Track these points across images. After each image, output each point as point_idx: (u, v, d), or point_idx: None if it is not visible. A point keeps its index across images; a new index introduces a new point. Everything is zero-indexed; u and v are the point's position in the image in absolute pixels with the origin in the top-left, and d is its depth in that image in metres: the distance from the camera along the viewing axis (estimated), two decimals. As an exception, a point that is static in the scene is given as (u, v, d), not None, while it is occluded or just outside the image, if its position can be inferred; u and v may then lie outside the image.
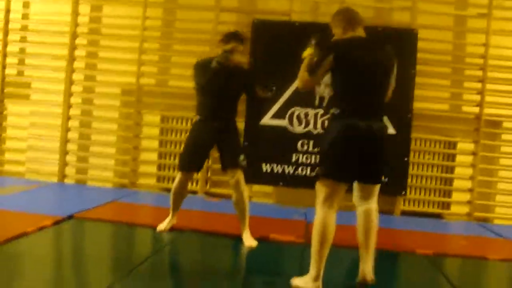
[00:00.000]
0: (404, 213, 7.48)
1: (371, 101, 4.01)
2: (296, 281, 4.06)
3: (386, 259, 5.16)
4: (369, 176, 4.10)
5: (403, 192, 7.41)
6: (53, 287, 3.88)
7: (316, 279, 3.95)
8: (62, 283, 3.99)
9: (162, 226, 5.49)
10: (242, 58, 5.38)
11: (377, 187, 4.19)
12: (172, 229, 5.47)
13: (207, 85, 5.19)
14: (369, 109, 3.99)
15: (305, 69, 4.13)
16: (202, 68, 5.21)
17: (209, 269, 4.54)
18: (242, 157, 5.28)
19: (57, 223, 5.37)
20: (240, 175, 5.21)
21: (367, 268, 4.11)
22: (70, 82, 7.99)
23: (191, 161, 5.36)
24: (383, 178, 4.17)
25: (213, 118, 5.24)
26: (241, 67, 5.38)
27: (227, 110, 5.31)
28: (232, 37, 5.23)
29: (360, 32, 4.17)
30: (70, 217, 5.64)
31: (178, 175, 5.41)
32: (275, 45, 7.24)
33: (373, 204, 4.19)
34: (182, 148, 5.68)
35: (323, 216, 3.95)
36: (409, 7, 7.55)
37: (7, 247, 4.49)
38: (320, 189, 4.01)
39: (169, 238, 5.30)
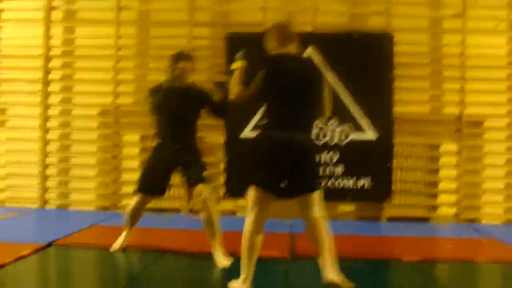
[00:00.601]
0: (391, 219, 7.41)
1: (296, 114, 4.15)
2: (232, 284, 4.25)
3: (373, 268, 5.08)
4: (295, 187, 4.18)
5: (389, 198, 7.34)
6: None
7: (244, 280, 4.16)
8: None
9: (117, 245, 5.41)
10: (192, 76, 5.34)
11: (312, 196, 4.20)
12: (154, 249, 5.37)
13: (161, 107, 5.21)
14: (293, 121, 4.14)
15: (237, 82, 4.24)
16: (154, 92, 5.29)
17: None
18: (205, 173, 5.23)
19: (36, 251, 5.24)
20: (207, 193, 5.13)
21: (330, 274, 4.08)
22: (46, 105, 7.89)
23: (151, 184, 5.30)
24: (313, 187, 4.21)
25: (171, 141, 5.21)
26: (194, 87, 5.33)
27: (185, 132, 5.27)
28: (179, 57, 5.29)
29: (291, 49, 4.31)
30: (49, 244, 5.51)
31: (135, 197, 5.35)
32: (250, 58, 7.13)
33: (317, 214, 4.20)
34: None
35: (251, 223, 4.16)
36: (383, 11, 7.52)
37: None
38: (249, 196, 4.21)
39: (151, 260, 5.17)
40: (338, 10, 7.62)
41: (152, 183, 5.28)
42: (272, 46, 4.34)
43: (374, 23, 7.63)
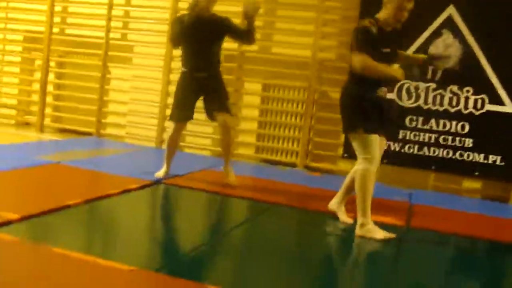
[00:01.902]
0: (522, 201, 6.78)
1: None
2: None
3: (499, 251, 4.60)
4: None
5: (521, 177, 6.70)
6: (129, 248, 3.63)
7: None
8: (137, 244, 3.74)
9: (160, 173, 5.68)
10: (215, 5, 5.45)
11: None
12: (264, 201, 5.18)
13: (185, 36, 5.35)
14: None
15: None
16: (179, 22, 5.41)
17: (296, 243, 4.33)
18: (228, 102, 5.58)
19: (143, 187, 5.20)
20: (228, 120, 5.55)
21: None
22: (171, 46, 7.81)
23: (180, 112, 5.57)
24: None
25: (195, 69, 5.45)
26: (216, 16, 5.46)
27: (209, 61, 5.48)
28: None
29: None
30: (158, 182, 5.46)
31: (171, 126, 5.63)
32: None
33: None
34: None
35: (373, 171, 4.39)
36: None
37: (86, 207, 4.37)
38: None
39: (259, 210, 4.98)
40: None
41: (181, 112, 5.57)
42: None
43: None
